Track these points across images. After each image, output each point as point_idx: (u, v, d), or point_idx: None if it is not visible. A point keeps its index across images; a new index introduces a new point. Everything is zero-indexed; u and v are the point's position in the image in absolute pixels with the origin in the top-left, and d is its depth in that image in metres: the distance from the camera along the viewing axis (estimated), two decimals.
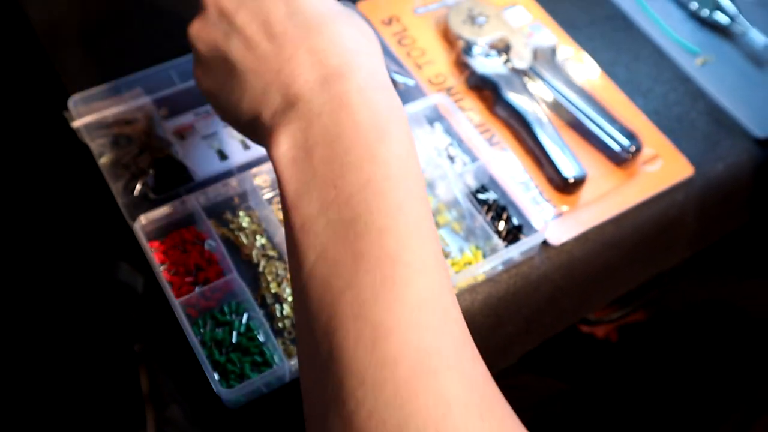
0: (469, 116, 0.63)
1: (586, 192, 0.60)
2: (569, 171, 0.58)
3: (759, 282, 0.84)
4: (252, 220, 0.55)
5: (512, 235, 0.56)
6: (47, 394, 0.98)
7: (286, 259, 0.43)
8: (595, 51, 0.70)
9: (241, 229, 0.55)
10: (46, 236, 0.94)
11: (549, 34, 0.69)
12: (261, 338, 0.49)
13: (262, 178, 0.56)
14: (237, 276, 0.50)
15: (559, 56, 0.67)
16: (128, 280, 0.90)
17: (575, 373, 0.87)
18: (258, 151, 0.58)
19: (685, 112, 0.67)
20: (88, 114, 0.57)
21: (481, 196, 0.58)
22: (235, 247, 0.54)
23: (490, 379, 0.33)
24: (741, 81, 0.70)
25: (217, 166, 0.57)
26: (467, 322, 0.54)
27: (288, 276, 0.53)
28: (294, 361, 0.48)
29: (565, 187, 0.59)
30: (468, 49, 0.65)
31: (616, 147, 0.61)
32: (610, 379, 0.87)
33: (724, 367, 0.83)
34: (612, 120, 0.62)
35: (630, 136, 0.61)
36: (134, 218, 0.52)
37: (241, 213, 0.55)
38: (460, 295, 0.54)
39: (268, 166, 0.56)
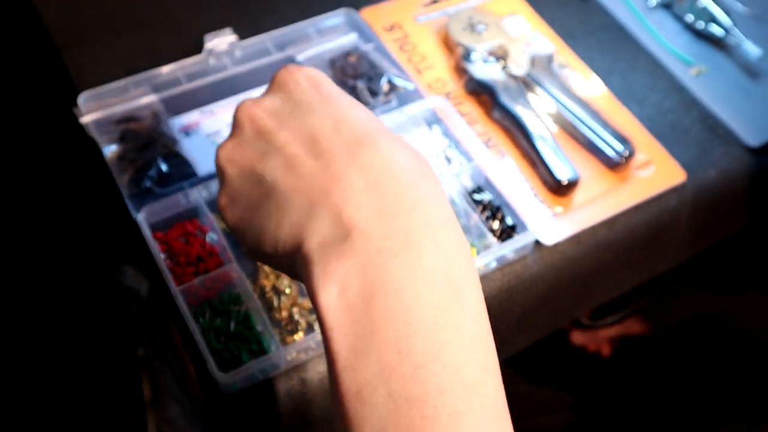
0: (467, 120, 0.64)
1: (579, 195, 0.61)
2: (563, 174, 0.60)
3: (754, 294, 0.85)
4: None
5: (506, 234, 0.58)
6: (49, 398, 0.99)
7: None
8: (591, 60, 0.71)
9: None
10: (51, 237, 0.95)
11: (547, 42, 0.71)
12: (258, 328, 0.51)
13: None
14: (237, 267, 0.52)
15: (556, 64, 0.69)
16: (133, 285, 0.91)
17: (573, 383, 0.88)
18: None
19: (679, 120, 0.68)
20: (97, 110, 0.59)
21: (476, 196, 0.60)
22: (235, 241, 0.55)
23: None
24: (734, 91, 0.71)
25: None
26: None
27: None
28: (289, 350, 0.49)
29: (559, 189, 0.60)
30: (467, 55, 0.67)
31: (609, 151, 0.62)
32: (609, 389, 0.88)
33: (721, 378, 0.84)
34: (606, 125, 0.63)
35: (623, 141, 0.62)
36: (139, 210, 0.53)
37: None
38: None
39: None
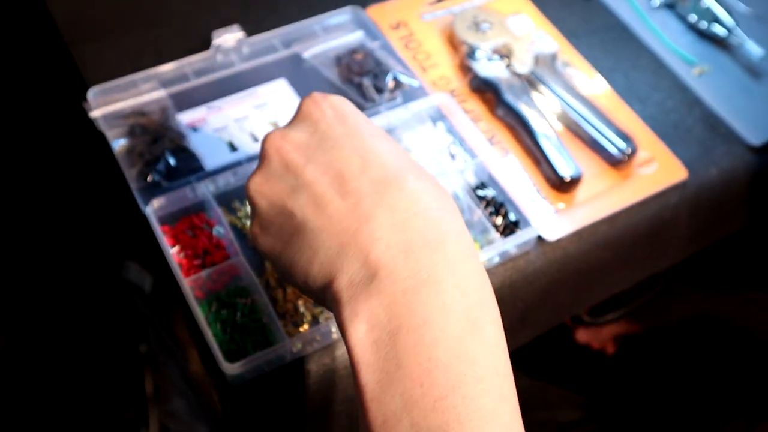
0: (471, 117, 0.65)
1: (581, 191, 0.62)
2: (566, 170, 0.60)
3: (754, 294, 0.86)
4: None
5: (509, 229, 0.58)
6: (51, 394, 0.99)
7: None
8: (595, 59, 0.72)
9: (249, 216, 0.57)
10: (56, 231, 0.96)
11: (551, 41, 0.71)
12: (264, 320, 0.52)
13: None
14: (243, 260, 0.53)
15: (560, 63, 0.70)
16: (136, 280, 0.92)
17: (574, 378, 0.88)
18: None
19: (681, 118, 0.69)
20: (106, 105, 0.60)
21: (480, 192, 0.60)
22: (242, 234, 0.56)
23: None
24: (737, 90, 0.72)
25: (227, 156, 0.59)
26: None
27: None
28: (294, 341, 0.50)
29: (562, 185, 0.61)
30: (471, 53, 0.68)
31: (612, 149, 0.63)
32: (610, 385, 0.89)
33: (722, 377, 0.85)
34: (609, 123, 0.64)
35: (626, 138, 0.63)
36: (147, 203, 0.54)
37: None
38: None
39: None
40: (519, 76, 0.66)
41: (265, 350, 0.48)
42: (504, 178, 0.61)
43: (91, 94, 0.60)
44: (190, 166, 0.58)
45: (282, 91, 0.64)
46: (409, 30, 0.71)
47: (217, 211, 0.55)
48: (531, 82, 0.67)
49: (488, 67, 0.67)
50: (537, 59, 0.68)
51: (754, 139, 0.68)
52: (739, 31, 0.74)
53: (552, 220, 0.60)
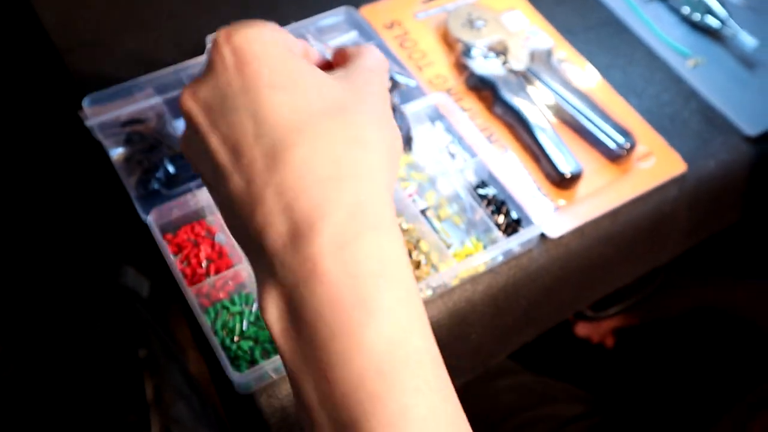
0: (469, 115, 0.65)
1: (582, 187, 0.62)
2: (566, 167, 0.60)
3: (753, 284, 0.86)
4: None
5: (511, 228, 0.58)
6: (51, 400, 0.99)
7: None
8: (590, 54, 0.72)
9: None
10: (55, 239, 0.95)
11: (546, 37, 0.71)
12: None
13: None
14: (247, 267, 0.52)
15: (555, 58, 0.69)
16: (134, 285, 0.91)
17: (577, 373, 0.89)
18: None
19: (678, 111, 0.69)
20: (102, 113, 0.59)
21: (481, 191, 0.60)
22: None
23: None
24: (731, 81, 0.72)
25: None
26: (468, 312, 0.56)
27: None
28: None
29: (562, 182, 0.61)
30: (467, 51, 0.67)
31: (611, 144, 0.63)
32: (612, 378, 0.89)
33: (722, 367, 0.85)
34: (607, 118, 0.64)
35: (624, 133, 0.63)
36: (147, 212, 0.54)
37: None
38: (462, 285, 0.56)
39: None
40: (515, 72, 0.66)
41: (272, 358, 0.48)
42: (504, 176, 0.61)
43: (86, 102, 0.60)
44: (189, 172, 0.57)
45: None
46: (404, 29, 0.71)
47: (218, 218, 0.55)
48: (527, 78, 0.67)
49: (484, 65, 0.66)
50: (532, 55, 0.68)
51: (750, 129, 0.68)
52: (732, 22, 0.74)
53: (554, 217, 0.60)
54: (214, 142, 0.33)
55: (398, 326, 0.30)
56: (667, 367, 0.88)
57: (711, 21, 0.75)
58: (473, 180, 0.61)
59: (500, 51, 0.68)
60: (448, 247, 0.57)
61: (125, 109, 0.60)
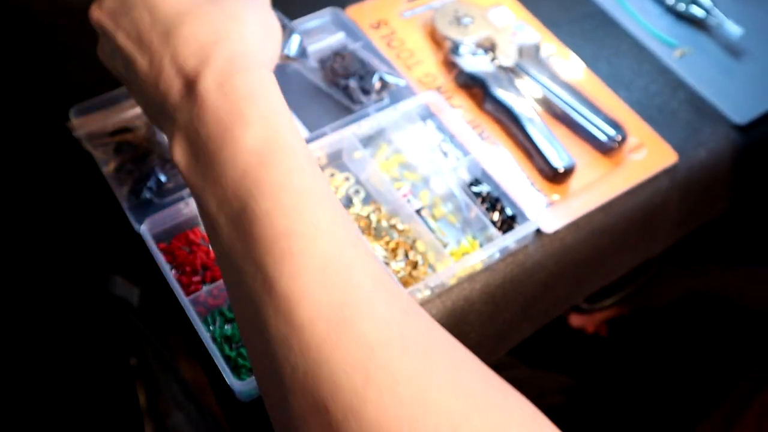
0: (460, 113, 0.65)
1: (575, 181, 0.62)
2: (558, 161, 0.60)
3: (744, 270, 0.87)
4: None
5: (507, 225, 0.58)
6: (40, 408, 0.98)
7: None
8: (577, 47, 0.72)
9: None
10: (41, 250, 0.94)
11: (532, 32, 0.71)
12: None
13: None
14: None
15: (543, 53, 0.69)
16: (123, 294, 0.91)
17: (572, 366, 0.89)
18: None
19: (666, 102, 0.69)
20: (90, 123, 0.59)
21: (475, 188, 0.60)
22: None
23: (411, 313, 0.35)
24: (718, 71, 0.72)
25: None
26: (467, 311, 0.56)
27: None
28: None
29: (555, 177, 0.61)
30: (455, 48, 0.67)
31: (602, 137, 0.63)
32: (607, 370, 0.89)
33: (716, 355, 0.86)
34: (597, 111, 0.64)
35: (615, 126, 0.63)
36: (140, 222, 0.53)
37: None
38: (460, 284, 0.56)
39: None
40: (504, 68, 0.66)
41: None
42: (497, 173, 0.61)
43: (73, 112, 0.59)
44: (180, 181, 0.57)
45: None
46: (391, 28, 0.70)
47: None
48: (516, 74, 0.66)
49: (473, 62, 0.66)
50: (521, 51, 0.67)
51: (739, 117, 0.69)
52: (717, 11, 0.74)
53: (548, 212, 0.60)
54: (121, 37, 0.42)
55: (271, 129, 0.37)
56: (661, 355, 0.89)
57: (696, 11, 0.75)
58: (467, 178, 0.61)
59: (488, 47, 0.68)
60: (445, 246, 0.57)
61: (113, 119, 0.59)
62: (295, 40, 0.55)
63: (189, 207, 0.55)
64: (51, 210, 0.90)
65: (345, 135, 0.59)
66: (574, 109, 0.64)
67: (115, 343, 0.98)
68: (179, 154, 0.39)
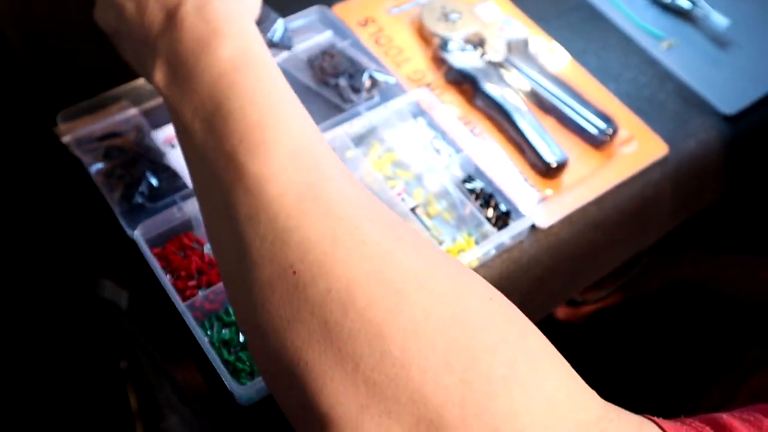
0: (451, 109, 0.65)
1: (567, 176, 0.62)
2: (551, 156, 0.60)
3: (732, 258, 0.87)
4: None
5: (501, 221, 0.58)
6: (31, 412, 0.97)
7: None
8: (565, 41, 0.72)
9: None
10: (30, 257, 0.93)
11: (520, 26, 0.71)
12: None
13: None
14: None
15: (532, 47, 0.69)
16: (112, 297, 0.90)
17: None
18: None
19: (654, 94, 0.70)
20: (77, 128, 0.58)
21: (468, 185, 0.60)
22: None
23: (376, 199, 0.38)
24: (705, 61, 0.73)
25: None
26: None
27: None
28: None
29: (548, 171, 0.61)
30: (444, 45, 0.67)
31: (593, 130, 0.63)
32: (598, 361, 0.90)
33: (702, 341, 0.86)
34: (587, 105, 0.64)
35: (606, 119, 0.63)
36: (133, 227, 0.53)
37: None
38: None
39: None
40: (493, 64, 0.66)
41: None
42: (490, 169, 0.61)
43: (60, 118, 0.58)
44: (172, 184, 0.56)
45: None
46: (378, 26, 0.70)
47: None
48: (506, 69, 0.66)
49: (462, 58, 0.66)
50: (509, 46, 0.67)
51: (727, 108, 0.69)
52: (702, 2, 0.74)
53: (542, 207, 0.60)
54: None
55: (244, 40, 0.41)
56: (649, 344, 0.89)
57: (682, 2, 0.75)
58: (460, 175, 0.61)
59: (477, 43, 0.67)
60: (440, 243, 0.56)
61: (101, 123, 0.59)
62: (279, 25, 0.54)
63: (182, 211, 0.54)
64: (40, 216, 0.90)
65: (337, 134, 0.59)
66: (564, 103, 0.64)
67: (105, 346, 0.97)
68: (159, 76, 0.42)
